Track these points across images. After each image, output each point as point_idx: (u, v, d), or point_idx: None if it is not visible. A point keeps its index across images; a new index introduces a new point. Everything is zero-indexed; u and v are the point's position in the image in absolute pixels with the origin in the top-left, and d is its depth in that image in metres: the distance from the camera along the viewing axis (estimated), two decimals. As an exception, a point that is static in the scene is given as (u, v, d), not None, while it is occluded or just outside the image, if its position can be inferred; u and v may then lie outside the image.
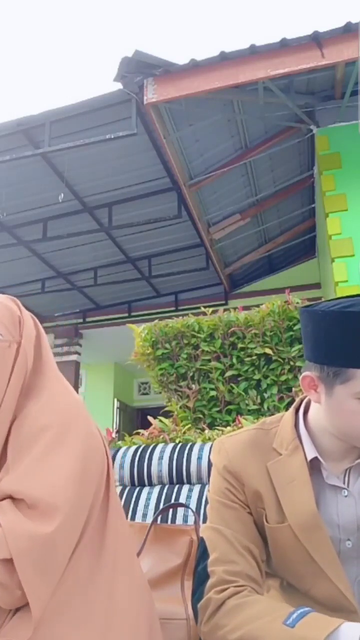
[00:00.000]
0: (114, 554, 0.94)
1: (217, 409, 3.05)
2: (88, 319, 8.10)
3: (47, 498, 0.84)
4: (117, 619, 0.89)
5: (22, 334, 0.96)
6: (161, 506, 1.57)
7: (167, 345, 3.19)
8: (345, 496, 1.05)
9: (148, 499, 1.62)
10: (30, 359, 0.96)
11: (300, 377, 1.05)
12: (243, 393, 3.01)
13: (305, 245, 7.35)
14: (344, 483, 1.06)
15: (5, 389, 0.91)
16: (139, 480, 1.70)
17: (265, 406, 2.94)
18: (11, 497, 0.85)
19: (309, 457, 1.04)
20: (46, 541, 0.82)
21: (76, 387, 7.92)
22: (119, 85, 4.14)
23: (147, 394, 9.63)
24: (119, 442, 2.08)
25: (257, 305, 3.15)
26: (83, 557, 0.90)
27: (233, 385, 3.04)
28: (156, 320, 3.33)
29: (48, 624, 0.82)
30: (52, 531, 0.82)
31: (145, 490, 1.66)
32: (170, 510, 1.55)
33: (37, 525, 0.82)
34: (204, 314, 3.25)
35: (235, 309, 3.28)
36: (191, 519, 1.50)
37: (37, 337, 1.00)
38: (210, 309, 3.30)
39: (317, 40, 3.78)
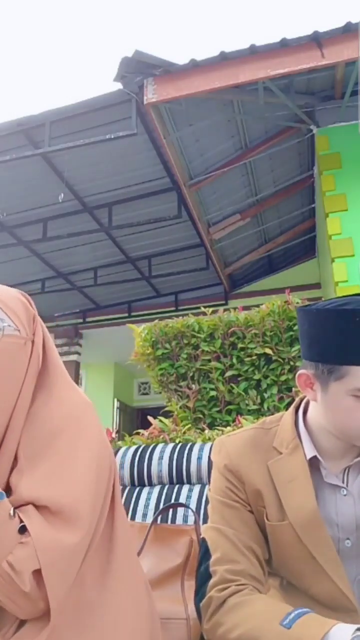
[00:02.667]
0: (122, 558, 0.94)
1: (217, 409, 3.05)
2: (88, 319, 8.10)
3: (71, 505, 0.82)
4: (122, 622, 0.89)
5: (35, 332, 0.93)
6: (161, 506, 1.57)
7: (167, 345, 3.19)
8: (344, 495, 1.05)
9: (148, 499, 1.62)
10: (40, 358, 0.93)
11: (296, 376, 1.05)
12: (243, 393, 3.01)
13: (305, 245, 7.35)
14: (342, 482, 1.06)
15: (20, 389, 0.88)
16: (139, 480, 1.70)
17: (265, 406, 2.94)
18: (33, 504, 0.83)
19: (308, 456, 1.05)
20: (72, 552, 0.81)
21: (76, 387, 7.91)
22: (119, 85, 4.14)
23: (147, 394, 9.63)
24: (119, 442, 2.08)
25: (257, 305, 3.15)
26: (94, 563, 0.89)
27: (233, 385, 3.04)
28: (156, 320, 3.33)
29: (57, 634, 0.81)
30: (78, 542, 0.81)
31: (145, 490, 1.66)
32: (170, 510, 1.55)
33: (63, 535, 0.80)
34: (204, 314, 3.25)
35: (235, 309, 3.28)
36: (191, 519, 1.50)
37: (45, 336, 0.97)
38: (210, 309, 3.29)
39: (317, 40, 3.78)
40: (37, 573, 0.78)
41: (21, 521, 0.80)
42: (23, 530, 0.79)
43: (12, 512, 0.80)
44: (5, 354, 0.86)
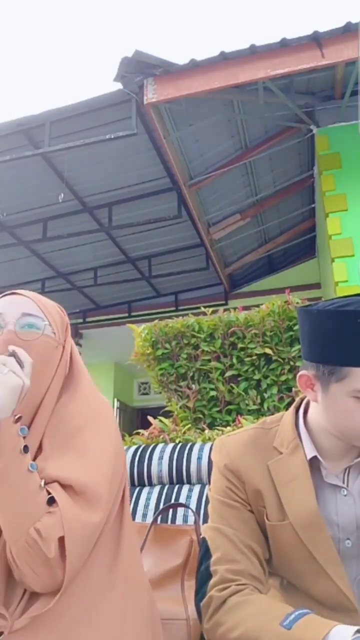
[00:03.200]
0: (127, 557, 0.97)
1: (217, 409, 3.05)
2: (88, 319, 8.09)
3: (93, 487, 0.90)
4: (127, 620, 0.91)
5: (66, 340, 1.06)
6: (161, 506, 1.57)
7: (167, 345, 3.19)
8: (345, 495, 1.05)
9: (148, 499, 1.62)
10: (68, 363, 1.05)
11: (297, 376, 1.05)
12: (243, 393, 3.01)
13: (305, 245, 7.34)
14: (343, 482, 1.06)
15: (48, 386, 0.99)
16: (139, 480, 1.70)
17: (265, 406, 2.93)
18: (58, 482, 0.90)
19: (309, 456, 1.05)
20: (92, 529, 0.88)
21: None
22: (119, 85, 4.14)
23: (147, 394, 9.63)
24: (119, 442, 2.08)
25: (257, 305, 3.15)
26: (104, 560, 0.92)
27: (233, 385, 3.04)
28: (156, 320, 3.33)
29: (70, 623, 0.84)
30: (98, 522, 0.89)
31: (145, 490, 1.66)
32: (170, 510, 1.55)
33: (85, 512, 0.87)
34: (204, 314, 3.25)
35: (235, 309, 3.28)
36: (191, 519, 1.50)
37: (73, 345, 1.10)
38: (210, 309, 3.29)
39: (317, 40, 3.77)
40: (60, 541, 0.84)
41: (49, 493, 0.87)
42: (50, 502, 0.87)
43: (42, 483, 0.88)
44: (41, 349, 0.98)
